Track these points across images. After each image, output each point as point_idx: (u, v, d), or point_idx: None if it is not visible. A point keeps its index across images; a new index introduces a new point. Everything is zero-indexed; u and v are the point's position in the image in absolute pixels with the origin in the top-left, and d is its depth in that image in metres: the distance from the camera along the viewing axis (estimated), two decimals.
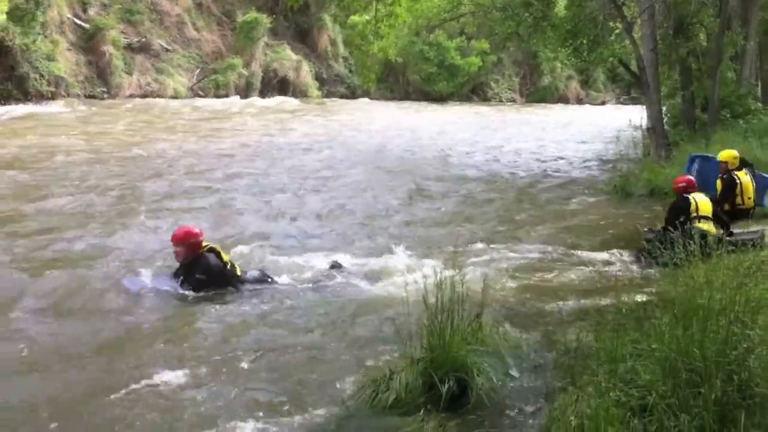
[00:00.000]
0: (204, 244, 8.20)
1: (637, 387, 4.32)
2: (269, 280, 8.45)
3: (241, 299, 7.91)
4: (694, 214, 9.27)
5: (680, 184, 9.81)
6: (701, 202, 9.43)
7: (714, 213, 9.42)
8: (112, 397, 5.46)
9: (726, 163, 10.83)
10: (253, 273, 8.52)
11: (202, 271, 7.97)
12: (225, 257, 8.26)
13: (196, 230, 8.32)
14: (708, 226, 9.14)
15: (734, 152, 11.10)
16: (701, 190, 10.53)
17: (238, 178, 16.01)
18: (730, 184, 10.59)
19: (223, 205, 12.99)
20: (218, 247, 8.38)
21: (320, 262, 9.33)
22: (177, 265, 8.29)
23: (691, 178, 10.19)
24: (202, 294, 7.92)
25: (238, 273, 8.28)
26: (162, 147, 20.12)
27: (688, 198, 9.47)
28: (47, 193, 13.15)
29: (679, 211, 9.35)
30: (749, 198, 10.61)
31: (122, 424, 5.10)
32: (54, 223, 11.02)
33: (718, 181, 10.81)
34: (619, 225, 12.04)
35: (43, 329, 6.87)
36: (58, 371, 5.96)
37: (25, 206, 12.04)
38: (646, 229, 9.92)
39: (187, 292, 7.95)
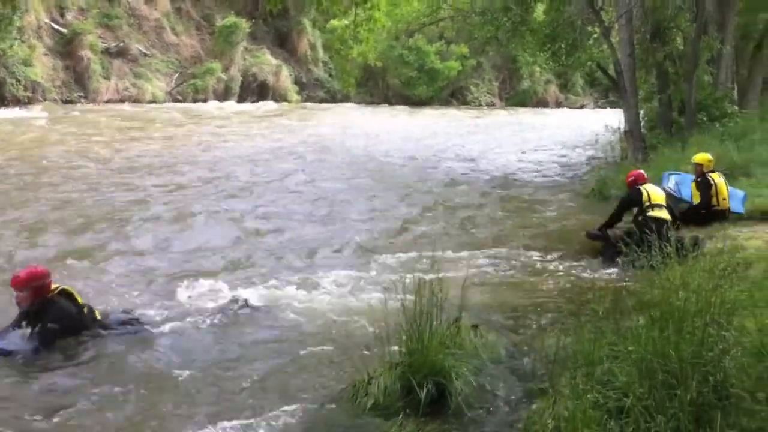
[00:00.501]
0: (53, 286, 6.88)
1: (614, 389, 4.34)
2: (135, 322, 7.23)
3: (207, 307, 7.86)
4: (647, 203, 9.71)
5: (630, 178, 10.35)
6: (653, 192, 9.94)
7: (667, 204, 9.90)
8: None
9: (701, 165, 10.91)
10: (117, 316, 7.29)
11: (54, 319, 6.64)
12: (79, 299, 6.99)
13: (42, 270, 6.95)
14: (662, 213, 9.62)
15: (708, 155, 11.19)
16: (679, 202, 10.78)
17: (209, 183, 15.93)
18: (706, 185, 10.67)
19: (185, 214, 12.74)
20: (71, 288, 7.08)
21: (297, 269, 9.33)
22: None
23: (641, 171, 10.71)
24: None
25: (98, 317, 7.03)
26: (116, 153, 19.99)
27: (639, 189, 9.94)
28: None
29: (632, 203, 9.96)
30: (724, 199, 10.68)
31: None
32: None
33: (693, 185, 10.91)
34: (596, 227, 12.08)
35: None
36: None
37: None
38: (597, 230, 10.39)
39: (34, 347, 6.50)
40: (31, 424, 5.21)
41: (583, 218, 12.94)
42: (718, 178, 10.77)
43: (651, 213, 9.59)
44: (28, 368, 6.22)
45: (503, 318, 7.29)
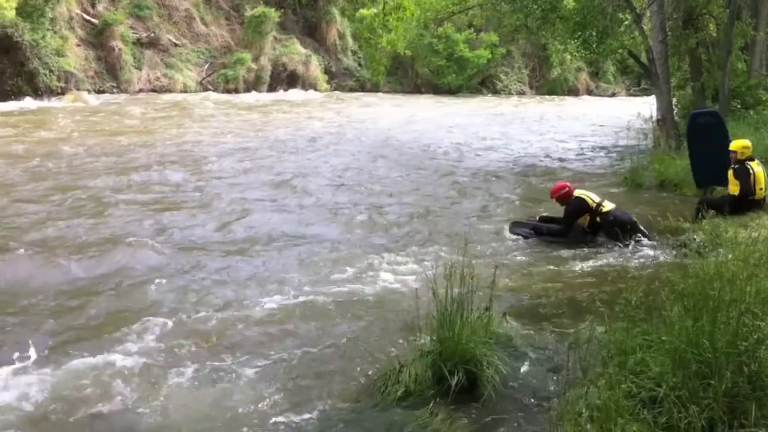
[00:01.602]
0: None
1: (647, 379, 4.31)
2: None
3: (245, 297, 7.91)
4: (595, 204, 10.06)
5: (562, 191, 10.46)
6: (591, 194, 10.34)
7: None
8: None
9: (736, 152, 10.58)
10: None
11: None
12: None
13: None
14: (613, 205, 10.12)
15: (745, 141, 10.82)
16: (714, 141, 10.96)
17: (255, 172, 16.02)
18: (745, 174, 10.37)
19: (237, 201, 12.95)
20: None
21: (324, 257, 9.37)
22: None
23: (565, 183, 10.88)
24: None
25: None
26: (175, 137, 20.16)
27: (579, 197, 10.23)
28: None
29: (581, 211, 10.13)
30: (761, 189, 10.40)
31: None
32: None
33: (730, 172, 10.54)
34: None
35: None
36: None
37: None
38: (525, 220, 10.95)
39: None
40: None
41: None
42: (756, 167, 10.48)
43: (605, 210, 9.99)
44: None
45: (534, 306, 7.27)
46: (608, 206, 10.04)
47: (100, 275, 8.44)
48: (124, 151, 18.14)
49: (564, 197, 10.38)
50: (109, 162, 16.35)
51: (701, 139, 11.19)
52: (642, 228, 9.89)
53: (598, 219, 10.01)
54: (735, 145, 10.68)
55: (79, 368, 5.83)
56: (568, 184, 10.70)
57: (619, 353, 4.75)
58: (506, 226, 10.83)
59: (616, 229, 9.71)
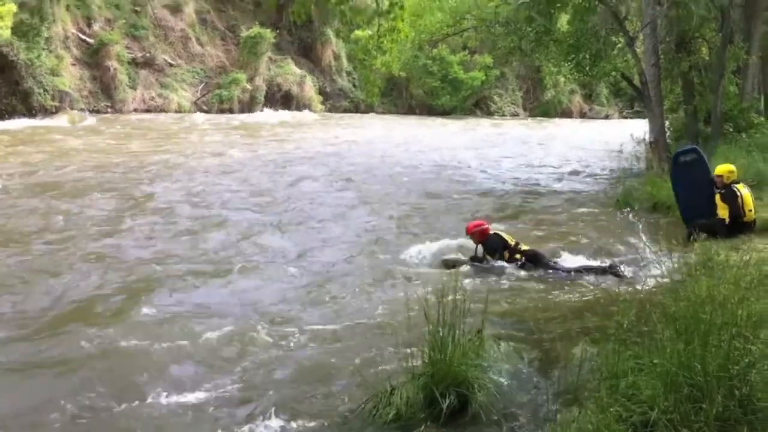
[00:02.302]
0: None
1: (639, 402, 4.29)
2: None
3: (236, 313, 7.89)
4: (513, 244, 10.24)
5: (478, 228, 10.45)
6: (506, 233, 10.57)
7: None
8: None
9: (721, 177, 10.68)
10: None
11: None
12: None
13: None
14: (527, 246, 10.33)
15: (729, 166, 10.97)
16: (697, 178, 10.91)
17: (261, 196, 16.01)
18: (732, 197, 10.47)
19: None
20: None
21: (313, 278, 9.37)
22: None
23: (482, 220, 11.12)
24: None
25: None
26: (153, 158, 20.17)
27: (498, 234, 10.46)
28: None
29: (500, 248, 10.24)
30: (750, 210, 10.49)
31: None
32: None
33: (717, 197, 10.62)
34: (620, 238, 12.00)
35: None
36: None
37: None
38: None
39: None
40: None
41: (608, 229, 12.88)
42: (743, 189, 10.58)
43: (523, 248, 10.21)
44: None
45: (526, 329, 7.24)
46: (526, 246, 10.32)
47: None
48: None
49: (482, 234, 10.37)
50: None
51: (685, 178, 11.27)
52: (563, 266, 9.98)
53: (517, 255, 10.10)
54: (721, 169, 10.78)
55: None
56: (484, 221, 10.89)
57: (610, 376, 4.73)
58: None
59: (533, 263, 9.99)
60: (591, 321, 6.88)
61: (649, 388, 4.36)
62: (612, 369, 4.78)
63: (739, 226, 10.32)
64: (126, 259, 10.16)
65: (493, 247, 10.23)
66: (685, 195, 11.25)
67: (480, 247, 10.32)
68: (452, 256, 10.68)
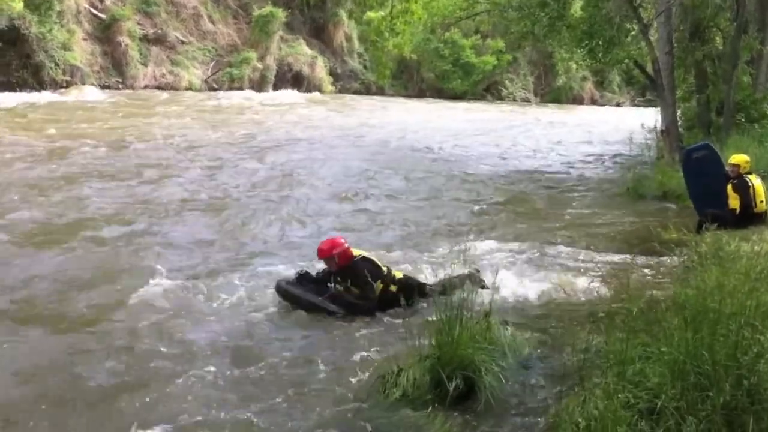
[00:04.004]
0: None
1: (646, 389, 4.30)
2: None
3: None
4: (386, 271, 7.85)
5: (337, 250, 7.72)
6: (377, 260, 8.03)
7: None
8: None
9: (738, 166, 10.62)
10: None
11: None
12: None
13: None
14: (400, 273, 8.11)
15: (746, 156, 10.91)
16: (710, 173, 10.70)
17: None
18: (744, 187, 10.43)
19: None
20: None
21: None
22: None
23: (336, 239, 8.11)
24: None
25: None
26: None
27: (369, 258, 7.90)
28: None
29: (373, 277, 7.60)
30: (761, 202, 10.45)
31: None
32: None
33: (729, 186, 10.58)
34: (631, 227, 12.00)
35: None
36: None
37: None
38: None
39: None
40: None
41: (618, 217, 12.86)
42: (755, 180, 10.55)
43: (398, 276, 7.98)
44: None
45: (534, 314, 7.27)
46: (399, 273, 8.10)
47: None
48: None
49: (345, 258, 7.77)
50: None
51: (698, 174, 11.21)
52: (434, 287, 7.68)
53: (392, 287, 7.77)
54: (738, 159, 10.72)
55: None
56: (342, 239, 8.04)
57: (618, 363, 4.73)
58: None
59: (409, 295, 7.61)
60: (599, 308, 6.88)
61: (656, 375, 4.37)
62: (620, 356, 4.78)
63: (749, 217, 10.28)
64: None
65: (365, 273, 7.60)
66: (697, 191, 11.21)
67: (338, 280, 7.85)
68: (284, 282, 7.86)
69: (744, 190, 10.37)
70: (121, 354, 6.19)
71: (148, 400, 5.39)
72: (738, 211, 10.34)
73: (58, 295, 7.68)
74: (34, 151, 16.49)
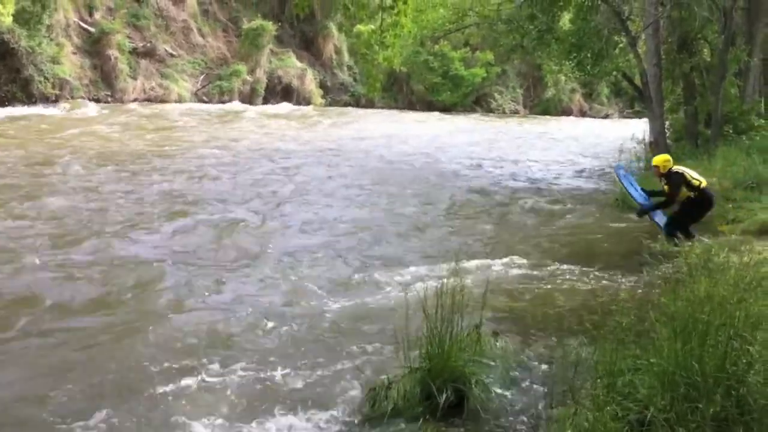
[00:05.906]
0: None
1: (636, 401, 4.31)
2: None
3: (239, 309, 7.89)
4: None
5: None
6: None
7: None
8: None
9: (658, 167, 10.75)
10: None
11: None
12: None
13: None
14: None
15: (666, 156, 11.12)
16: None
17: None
18: (678, 176, 10.50)
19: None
20: None
21: (313, 272, 9.35)
22: None
23: None
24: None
25: None
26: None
27: None
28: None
29: None
30: (695, 179, 10.58)
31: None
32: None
33: (666, 187, 10.63)
34: (619, 238, 12.02)
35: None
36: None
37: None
38: None
39: None
40: None
41: (607, 228, 12.88)
42: (680, 167, 10.86)
43: None
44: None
45: (524, 326, 7.26)
46: None
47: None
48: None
49: None
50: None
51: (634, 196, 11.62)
52: None
53: None
54: (656, 160, 10.96)
55: None
56: None
57: (607, 374, 4.75)
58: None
59: None
60: (589, 319, 6.88)
61: (645, 386, 4.38)
62: (609, 367, 4.79)
63: (701, 194, 10.37)
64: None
65: None
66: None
67: None
68: None
69: (681, 178, 10.45)
70: (109, 361, 6.17)
71: (135, 407, 5.36)
72: (693, 195, 10.40)
73: (59, 295, 7.64)
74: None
